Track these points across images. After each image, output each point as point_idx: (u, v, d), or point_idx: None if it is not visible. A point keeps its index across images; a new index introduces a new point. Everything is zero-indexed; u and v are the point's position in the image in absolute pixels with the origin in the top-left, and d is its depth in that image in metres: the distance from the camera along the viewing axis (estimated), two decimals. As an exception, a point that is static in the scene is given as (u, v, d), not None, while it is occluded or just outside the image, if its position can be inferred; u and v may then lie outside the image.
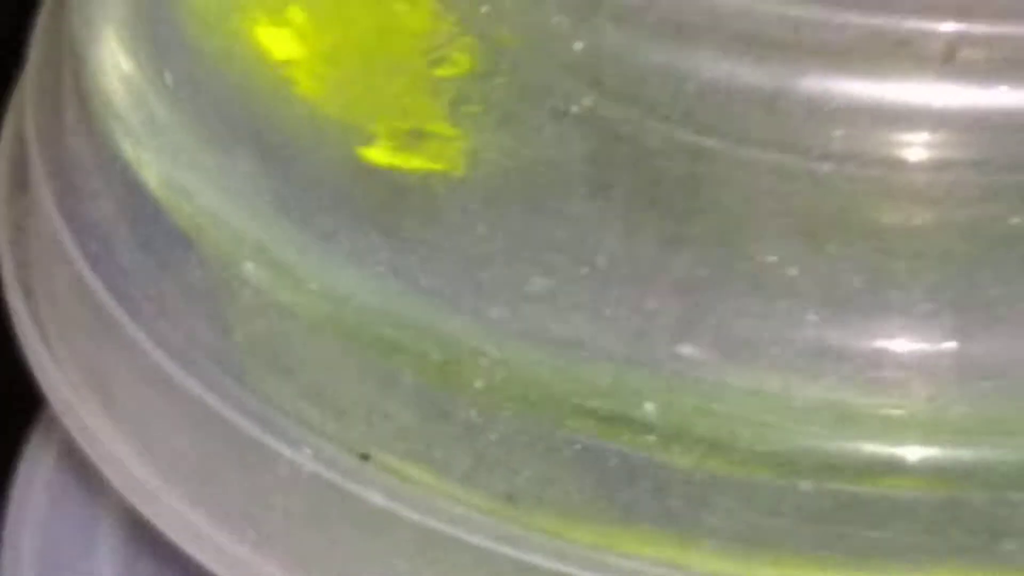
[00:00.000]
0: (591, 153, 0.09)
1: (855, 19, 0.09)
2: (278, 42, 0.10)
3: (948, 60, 0.08)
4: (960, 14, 0.08)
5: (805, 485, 0.09)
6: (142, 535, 0.10)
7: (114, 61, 0.10)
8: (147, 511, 0.09)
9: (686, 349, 0.09)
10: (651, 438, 0.09)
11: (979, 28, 0.08)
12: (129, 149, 0.09)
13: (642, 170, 0.09)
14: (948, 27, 0.08)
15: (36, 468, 0.12)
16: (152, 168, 0.09)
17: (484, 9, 0.09)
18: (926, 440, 0.09)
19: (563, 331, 0.09)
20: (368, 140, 0.09)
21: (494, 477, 0.09)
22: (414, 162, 0.09)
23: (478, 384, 0.09)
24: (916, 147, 0.09)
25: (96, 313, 0.10)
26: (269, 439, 0.09)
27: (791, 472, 0.09)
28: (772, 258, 0.09)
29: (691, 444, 0.09)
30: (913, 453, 0.09)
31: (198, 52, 0.10)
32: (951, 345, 0.09)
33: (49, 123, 0.10)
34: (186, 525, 0.10)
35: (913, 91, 0.09)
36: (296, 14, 0.09)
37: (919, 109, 0.09)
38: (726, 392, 0.09)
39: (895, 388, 0.09)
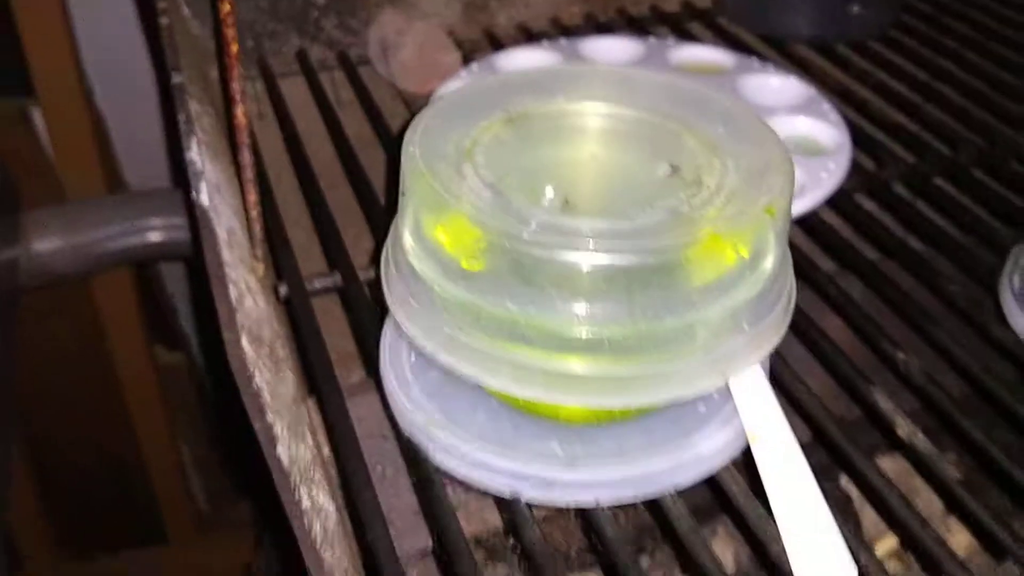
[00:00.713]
0: (513, 264, 0.38)
1: (565, 239, 0.37)
2: (440, 234, 0.39)
3: (591, 248, 0.37)
4: (593, 236, 0.37)
5: (557, 358, 0.38)
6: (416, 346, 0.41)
7: (403, 234, 0.40)
8: (406, 330, 0.40)
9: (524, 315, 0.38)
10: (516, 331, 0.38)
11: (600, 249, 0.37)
12: (409, 259, 0.39)
13: (526, 266, 0.38)
14: (589, 235, 0.37)
15: (388, 326, 0.44)
16: (415, 261, 0.39)
17: (483, 242, 0.38)
18: (585, 349, 0.36)
19: (504, 304, 0.38)
20: (461, 260, 0.39)
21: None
22: (472, 266, 0.38)
23: (479, 315, 0.38)
24: (582, 263, 0.37)
25: (396, 281, 0.40)
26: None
27: (550, 350, 0.38)
28: (551, 289, 0.38)
29: (528, 337, 0.38)
30: (581, 353, 0.37)
31: (422, 234, 0.39)
32: (592, 313, 0.37)
33: (391, 248, 0.41)
34: (417, 339, 0.40)
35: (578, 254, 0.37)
36: (441, 231, 0.38)
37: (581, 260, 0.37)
38: (539, 326, 0.38)
39: (576, 331, 0.37)
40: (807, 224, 0.55)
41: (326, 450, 0.48)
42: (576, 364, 0.37)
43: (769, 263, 0.38)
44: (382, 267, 0.42)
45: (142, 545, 1.28)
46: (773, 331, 0.39)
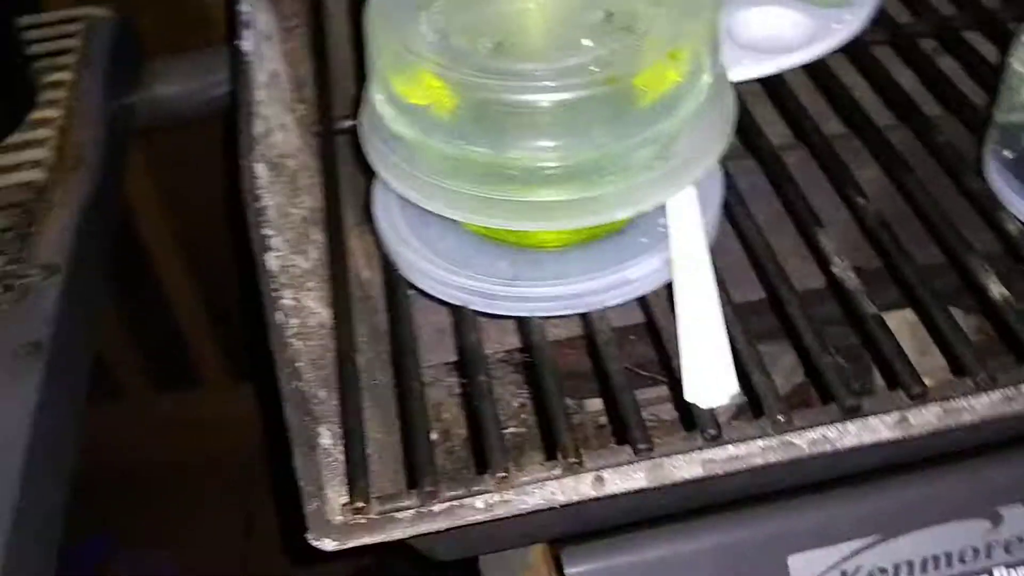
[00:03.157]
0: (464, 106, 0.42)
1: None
2: (398, 86, 0.43)
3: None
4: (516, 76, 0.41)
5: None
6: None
7: (371, 84, 0.45)
8: (377, 172, 0.46)
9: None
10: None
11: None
12: (377, 108, 0.45)
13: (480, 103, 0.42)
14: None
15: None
16: (383, 108, 0.44)
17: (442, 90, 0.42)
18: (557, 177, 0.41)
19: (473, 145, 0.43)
20: (412, 100, 0.43)
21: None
22: (421, 102, 0.42)
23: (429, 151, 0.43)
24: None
25: (369, 126, 0.46)
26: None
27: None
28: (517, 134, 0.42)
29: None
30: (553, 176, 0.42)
31: (387, 85, 0.44)
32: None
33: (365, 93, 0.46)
34: (385, 179, 0.46)
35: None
36: (399, 85, 0.42)
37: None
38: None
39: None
40: (813, 71, 0.56)
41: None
42: (517, 192, 0.42)
43: (693, 99, 0.42)
44: (360, 113, 0.47)
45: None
46: (699, 161, 0.43)
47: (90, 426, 0.57)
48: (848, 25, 0.56)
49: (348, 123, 0.58)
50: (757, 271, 0.47)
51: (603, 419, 0.56)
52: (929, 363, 0.49)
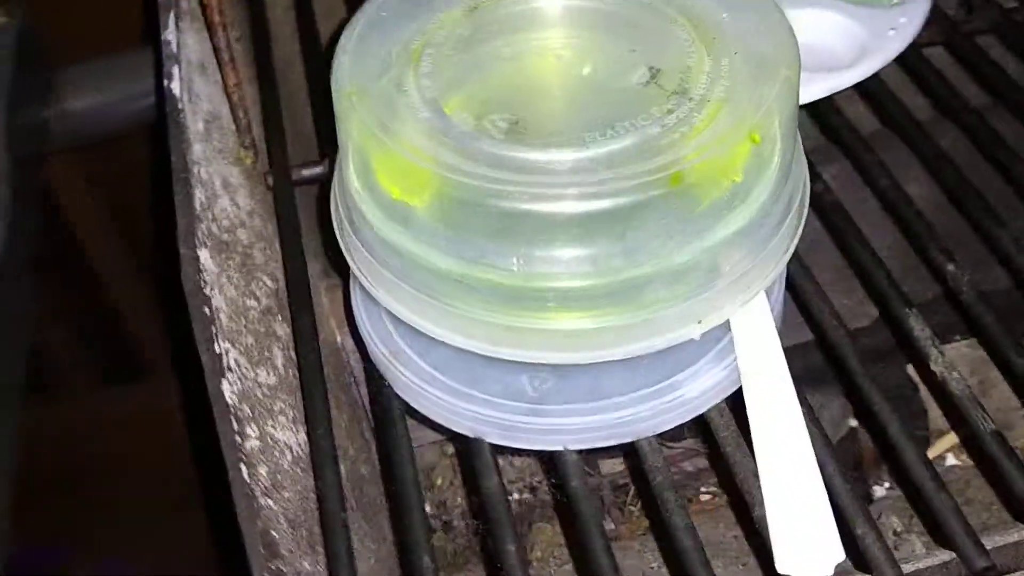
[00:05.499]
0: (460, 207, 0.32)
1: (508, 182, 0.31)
2: (382, 170, 0.33)
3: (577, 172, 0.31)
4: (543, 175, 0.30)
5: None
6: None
7: (347, 168, 0.34)
8: (358, 276, 0.35)
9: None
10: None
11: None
12: (354, 197, 0.34)
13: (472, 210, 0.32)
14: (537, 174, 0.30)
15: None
16: (359, 200, 0.34)
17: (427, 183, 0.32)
18: (545, 302, 0.31)
19: (454, 256, 0.33)
20: (403, 198, 0.32)
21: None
22: (412, 201, 0.32)
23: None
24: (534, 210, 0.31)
25: (344, 217, 0.35)
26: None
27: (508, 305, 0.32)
28: (502, 238, 0.32)
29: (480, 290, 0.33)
30: (541, 306, 0.32)
31: (365, 170, 0.33)
32: (552, 263, 0.32)
33: (339, 179, 0.35)
34: (369, 287, 0.35)
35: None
36: (383, 177, 0.32)
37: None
38: (490, 280, 0.33)
39: (536, 284, 0.32)
40: (863, 85, 0.47)
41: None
42: (536, 319, 0.32)
43: (759, 193, 0.31)
44: (332, 195, 0.36)
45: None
46: (765, 268, 0.33)
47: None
48: (904, 30, 0.46)
49: (308, 171, 0.47)
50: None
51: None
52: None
